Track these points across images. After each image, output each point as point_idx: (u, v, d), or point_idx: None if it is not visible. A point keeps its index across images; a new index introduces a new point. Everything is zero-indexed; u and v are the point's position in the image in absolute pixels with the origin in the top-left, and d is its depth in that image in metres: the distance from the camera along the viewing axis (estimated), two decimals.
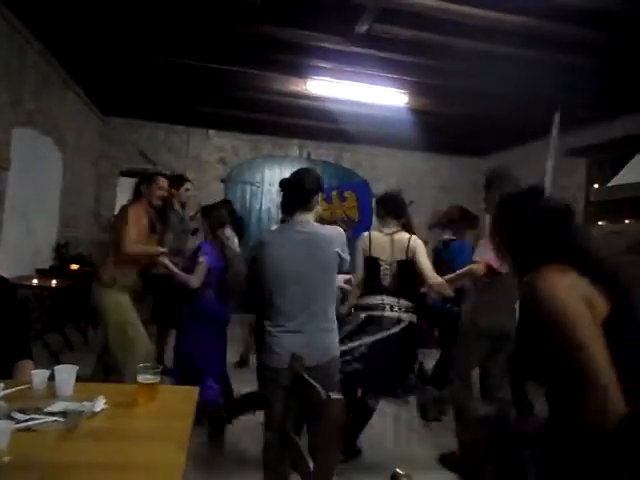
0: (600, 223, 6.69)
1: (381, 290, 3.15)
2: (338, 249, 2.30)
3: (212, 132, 8.54)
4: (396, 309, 3.12)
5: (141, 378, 1.72)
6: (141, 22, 4.64)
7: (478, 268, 3.06)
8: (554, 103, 5.71)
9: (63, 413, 1.55)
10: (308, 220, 2.34)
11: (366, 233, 3.29)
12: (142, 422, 1.60)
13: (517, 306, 3.03)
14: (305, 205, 2.33)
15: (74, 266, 6.09)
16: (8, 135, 4.86)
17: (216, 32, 4.79)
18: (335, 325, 2.38)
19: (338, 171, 9.05)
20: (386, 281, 3.17)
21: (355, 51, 4.82)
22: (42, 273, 5.57)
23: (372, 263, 3.20)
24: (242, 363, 5.17)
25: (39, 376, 1.78)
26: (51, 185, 6.34)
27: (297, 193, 2.33)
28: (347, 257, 2.36)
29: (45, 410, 1.56)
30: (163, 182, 3.71)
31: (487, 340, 3.17)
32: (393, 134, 7.76)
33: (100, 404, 1.63)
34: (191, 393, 1.85)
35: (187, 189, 5.03)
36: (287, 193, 2.39)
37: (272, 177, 8.85)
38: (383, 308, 3.11)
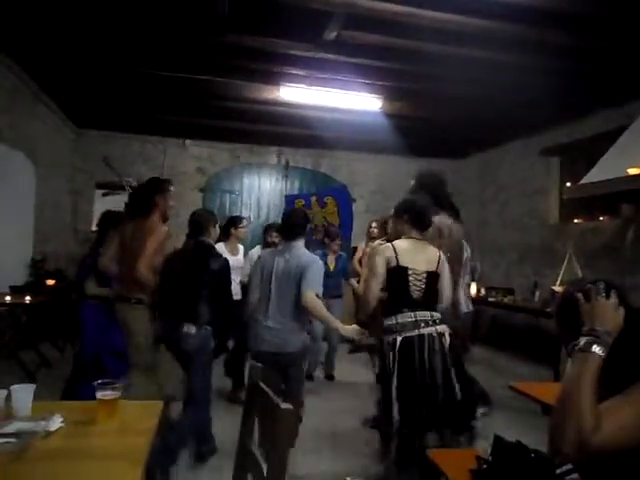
0: (575, 221, 6.79)
1: (409, 304, 2.84)
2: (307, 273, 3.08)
3: (189, 142, 8.49)
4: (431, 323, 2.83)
5: (100, 394, 1.69)
6: (113, 34, 4.61)
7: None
8: (527, 104, 5.79)
9: (16, 434, 1.51)
10: (297, 245, 3.23)
11: (388, 244, 2.97)
12: (98, 440, 1.56)
13: None
14: (298, 236, 3.26)
15: (50, 281, 6.00)
16: None
17: (187, 42, 4.78)
18: (303, 323, 3.21)
19: (317, 177, 9.07)
20: (415, 294, 2.86)
21: (326, 57, 4.84)
22: (16, 290, 5.47)
23: (400, 273, 2.87)
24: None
25: None
26: (24, 200, 6.24)
27: (294, 228, 3.26)
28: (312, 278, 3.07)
29: None
30: (171, 190, 3.48)
31: None
32: (370, 139, 7.80)
33: (57, 423, 1.59)
34: (154, 408, 1.82)
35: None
36: (286, 226, 3.32)
37: (251, 185, 8.84)
38: (419, 325, 2.80)
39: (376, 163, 9.12)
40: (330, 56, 4.79)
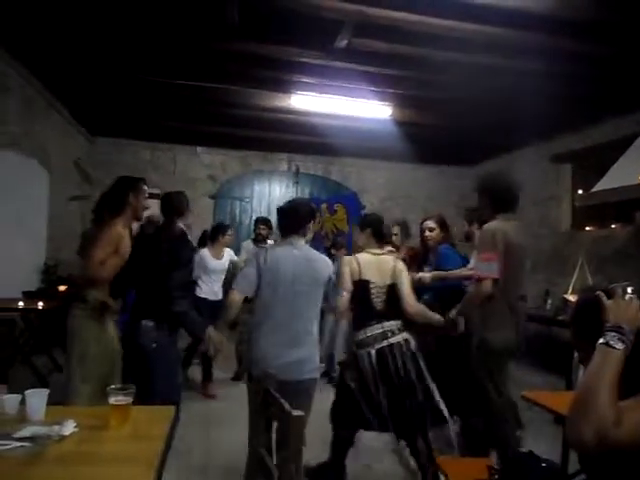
0: (587, 228, 6.73)
1: (375, 316, 2.98)
2: (329, 272, 2.62)
3: (200, 149, 8.56)
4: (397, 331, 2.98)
5: (112, 400, 1.70)
6: (124, 43, 4.69)
7: (485, 285, 2.88)
8: (538, 111, 5.77)
9: (31, 438, 1.53)
10: (302, 244, 2.64)
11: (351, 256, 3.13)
12: (111, 445, 1.57)
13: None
14: (299, 231, 2.64)
15: (62, 287, 6.05)
16: None
17: (198, 50, 4.84)
18: (317, 342, 2.53)
19: (327, 184, 9.09)
20: (379, 306, 3.00)
21: (336, 65, 4.88)
22: (29, 295, 5.52)
23: (363, 286, 3.00)
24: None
25: (10, 401, 1.75)
26: (38, 206, 6.33)
27: (292, 220, 2.65)
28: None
29: (14, 435, 1.54)
30: (146, 189, 3.21)
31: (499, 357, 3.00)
32: (380, 146, 7.81)
33: (70, 427, 1.61)
34: (166, 413, 1.83)
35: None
36: (283, 219, 2.69)
37: (261, 192, 8.88)
38: (387, 336, 2.94)
39: (386, 170, 9.13)
40: (341, 64, 4.82)
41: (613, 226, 6.31)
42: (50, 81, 5.78)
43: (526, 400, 2.57)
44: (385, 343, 2.92)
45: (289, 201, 2.73)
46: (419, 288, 3.50)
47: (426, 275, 3.67)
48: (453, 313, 3.29)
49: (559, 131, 6.74)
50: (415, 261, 4.18)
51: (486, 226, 3.02)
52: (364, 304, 3.00)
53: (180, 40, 4.58)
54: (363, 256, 3.08)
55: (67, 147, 7.17)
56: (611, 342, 1.24)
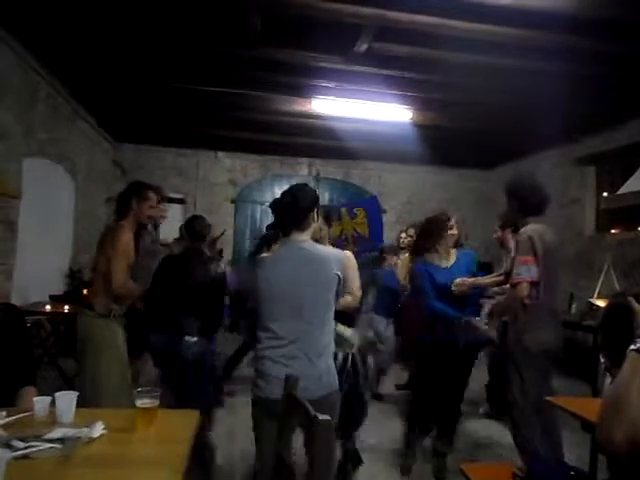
0: (612, 231, 6.61)
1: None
2: (338, 271, 2.14)
3: (221, 154, 8.66)
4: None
5: (139, 403, 1.73)
6: (147, 50, 4.77)
7: (521, 289, 2.84)
8: (560, 113, 5.70)
9: (61, 440, 1.56)
10: (304, 239, 2.19)
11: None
12: (139, 447, 1.60)
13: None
14: (299, 225, 2.18)
15: (87, 291, 6.15)
16: (19, 165, 4.98)
17: (219, 57, 4.90)
18: (332, 352, 2.18)
19: (347, 188, 9.10)
20: None
21: (357, 70, 4.88)
22: (55, 299, 5.64)
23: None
24: None
25: (40, 403, 1.79)
26: (64, 212, 6.46)
27: (290, 213, 2.18)
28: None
29: (44, 437, 1.57)
30: (154, 197, 3.19)
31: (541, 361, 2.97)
32: (400, 150, 7.79)
33: (98, 430, 1.64)
34: (191, 417, 1.85)
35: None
36: (279, 214, 2.24)
37: None
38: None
39: (406, 174, 9.11)
40: (361, 68, 4.83)
41: (639, 229, 6.18)
42: (76, 89, 5.91)
43: (551, 405, 2.53)
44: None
45: (283, 192, 2.27)
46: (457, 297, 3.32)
47: (468, 280, 3.33)
48: (478, 318, 3.25)
49: (583, 133, 6.64)
50: None
51: (522, 230, 3.01)
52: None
53: (202, 47, 4.64)
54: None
55: (92, 153, 7.31)
56: None
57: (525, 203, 3.08)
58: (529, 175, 3.63)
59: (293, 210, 2.17)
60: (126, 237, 2.99)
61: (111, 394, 2.88)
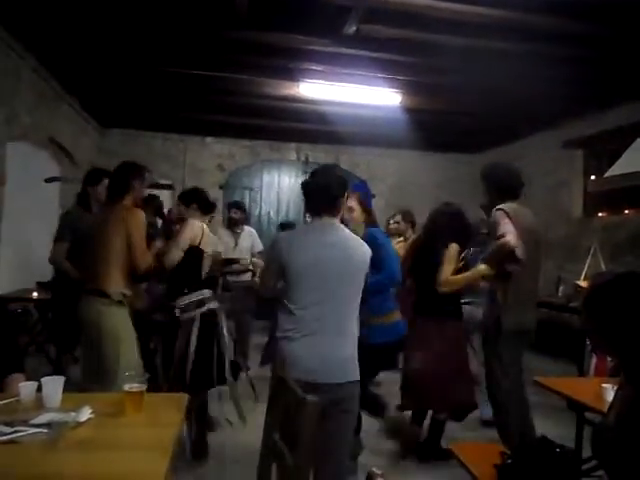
0: (599, 215, 6.67)
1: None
2: (367, 261, 2.16)
3: (209, 139, 8.58)
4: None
5: (127, 387, 1.73)
6: (133, 33, 4.67)
7: (509, 238, 2.84)
8: (548, 96, 5.70)
9: (48, 424, 1.56)
10: (336, 224, 2.17)
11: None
12: (127, 431, 1.60)
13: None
14: (332, 210, 2.15)
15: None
16: (3, 150, 4.89)
17: (206, 40, 4.81)
18: (356, 341, 2.13)
19: None
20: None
21: (345, 52, 4.83)
22: (43, 286, 5.58)
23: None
24: None
25: (27, 388, 1.78)
26: (50, 198, 6.38)
27: (323, 197, 2.15)
28: None
29: (31, 422, 1.57)
30: (148, 178, 3.26)
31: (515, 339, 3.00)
32: (389, 134, 7.76)
33: (85, 414, 1.63)
34: (179, 401, 1.85)
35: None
36: (311, 197, 2.21)
37: (270, 181, 8.89)
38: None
39: (395, 158, 9.09)
40: (349, 51, 4.78)
41: (626, 212, 6.24)
42: (60, 72, 5.79)
43: (539, 386, 2.57)
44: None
45: (314, 171, 2.25)
46: None
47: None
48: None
49: (570, 116, 6.65)
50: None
51: (495, 208, 3.10)
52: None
53: (189, 29, 4.56)
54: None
55: (78, 139, 7.20)
56: None
57: (500, 185, 3.20)
58: (503, 161, 3.78)
59: (325, 194, 2.14)
60: (143, 216, 3.00)
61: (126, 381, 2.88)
